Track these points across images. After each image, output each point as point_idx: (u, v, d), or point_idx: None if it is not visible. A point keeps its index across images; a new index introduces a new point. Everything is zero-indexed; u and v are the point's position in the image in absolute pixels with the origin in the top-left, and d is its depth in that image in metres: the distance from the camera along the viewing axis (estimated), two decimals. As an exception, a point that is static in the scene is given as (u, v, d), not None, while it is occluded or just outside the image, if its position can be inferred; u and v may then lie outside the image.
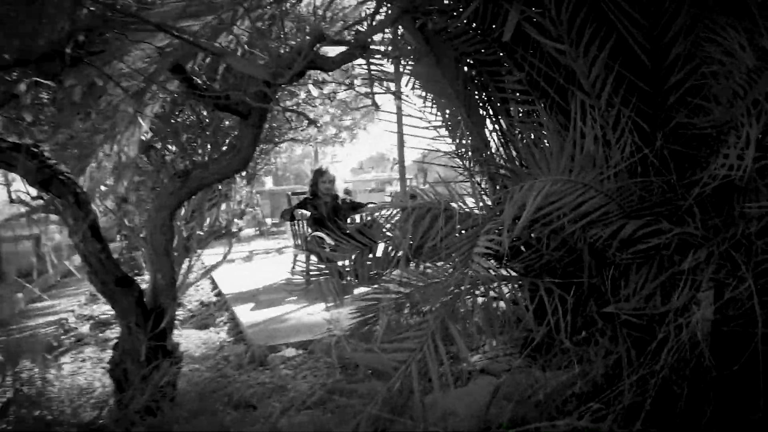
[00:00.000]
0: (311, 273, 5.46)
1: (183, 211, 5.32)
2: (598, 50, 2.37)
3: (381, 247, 2.91)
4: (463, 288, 1.68)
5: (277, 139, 5.85)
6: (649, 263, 2.33)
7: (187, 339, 4.17)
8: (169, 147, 4.79)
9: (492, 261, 2.60)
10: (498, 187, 2.72)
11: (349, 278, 2.96)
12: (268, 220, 11.88)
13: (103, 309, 5.39)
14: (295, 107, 4.98)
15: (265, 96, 2.60)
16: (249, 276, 6.42)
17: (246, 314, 4.56)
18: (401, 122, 5.52)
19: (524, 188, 1.57)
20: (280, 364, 3.48)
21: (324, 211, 5.82)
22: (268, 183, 13.69)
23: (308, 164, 22.88)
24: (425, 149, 3.62)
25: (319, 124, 6.14)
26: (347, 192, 6.24)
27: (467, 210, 2.57)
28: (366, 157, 27.44)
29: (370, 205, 5.70)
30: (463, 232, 2.34)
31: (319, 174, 5.91)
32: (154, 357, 2.78)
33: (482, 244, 1.66)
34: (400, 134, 4.98)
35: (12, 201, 3.47)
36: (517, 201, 1.57)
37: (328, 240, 5.39)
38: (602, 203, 2.07)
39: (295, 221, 5.74)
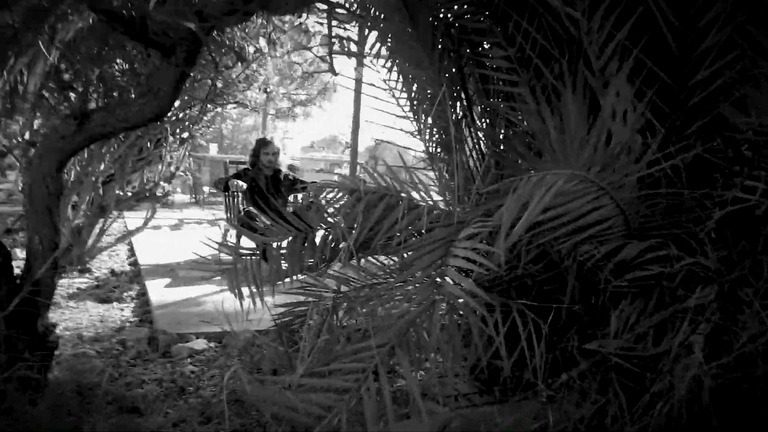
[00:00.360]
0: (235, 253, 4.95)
1: (102, 166, 4.68)
2: (615, 27, 1.92)
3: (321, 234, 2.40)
4: (429, 311, 1.18)
5: (221, 100, 5.24)
6: (646, 295, 1.90)
7: (83, 313, 3.57)
8: (94, 89, 4.14)
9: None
10: (479, 179, 2.23)
11: (275, 266, 2.44)
12: (206, 189, 11.17)
13: None
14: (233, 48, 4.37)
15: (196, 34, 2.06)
16: (173, 246, 5.80)
17: (159, 291, 3.98)
18: (360, 93, 5.02)
19: (533, 181, 1.10)
20: (187, 357, 2.94)
21: (262, 185, 5.25)
22: (213, 150, 12.94)
23: (257, 136, 22.03)
24: (386, 126, 3.10)
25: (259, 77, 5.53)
26: (291, 168, 5.69)
27: (430, 203, 2.08)
28: (318, 137, 26.83)
29: (315, 184, 5.18)
30: (423, 231, 1.85)
31: (262, 144, 5.32)
32: (16, 342, 2.20)
33: (461, 253, 1.18)
34: (357, 107, 4.49)
35: None
36: (522, 197, 1.10)
37: (262, 218, 4.84)
38: (611, 215, 1.61)
39: (229, 192, 5.15)
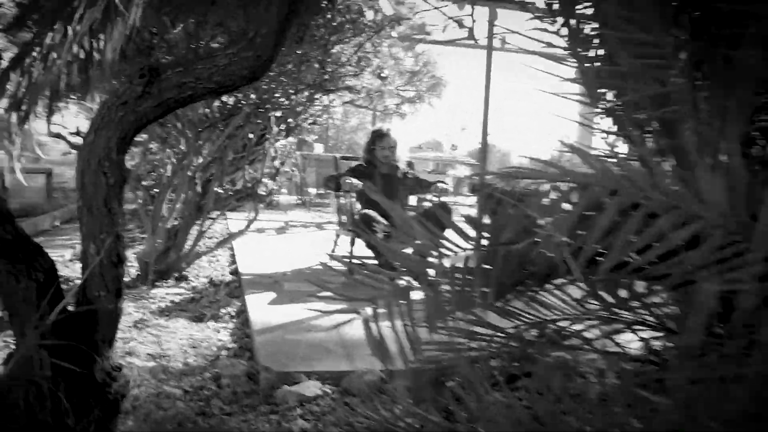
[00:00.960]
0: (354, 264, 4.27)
1: (201, 159, 4.10)
2: None
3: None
4: None
5: (331, 85, 4.58)
6: None
7: (173, 335, 2.96)
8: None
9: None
10: None
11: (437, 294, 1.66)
12: (312, 191, 10.68)
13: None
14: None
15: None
16: (278, 252, 5.20)
17: (261, 309, 3.32)
18: (490, 67, 4.25)
19: None
20: (295, 406, 2.22)
21: (379, 184, 4.53)
22: (318, 150, 12.46)
23: (365, 135, 21.39)
24: (559, 95, 2.25)
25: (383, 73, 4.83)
26: (410, 165, 4.94)
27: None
28: (423, 140, 26.13)
29: (440, 185, 4.40)
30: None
31: (378, 137, 4.61)
32: (67, 396, 1.54)
33: None
34: (488, 75, 3.67)
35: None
36: None
37: (382, 222, 4.11)
38: None
39: (342, 192, 4.43)
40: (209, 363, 2.64)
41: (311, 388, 2.31)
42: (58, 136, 4.02)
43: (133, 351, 2.66)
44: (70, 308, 1.69)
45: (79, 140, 5.47)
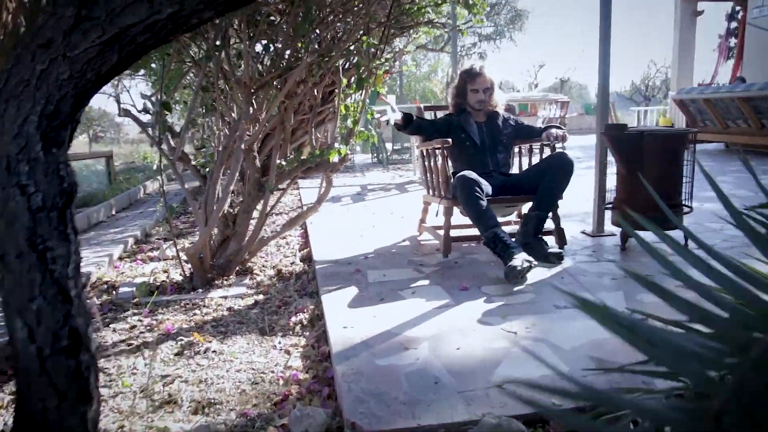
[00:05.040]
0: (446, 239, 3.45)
1: (257, 127, 3.36)
2: None
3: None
4: None
5: (407, 21, 3.70)
6: None
7: (228, 365, 2.25)
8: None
9: None
10: None
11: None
12: (389, 146, 9.88)
13: (149, 270, 3.63)
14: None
15: None
16: (357, 227, 4.45)
17: (341, 315, 2.58)
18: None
19: None
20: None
21: (474, 136, 3.67)
22: (392, 101, 11.57)
23: (440, 81, 20.08)
24: None
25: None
26: (510, 110, 4.02)
27: None
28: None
29: (555, 131, 3.48)
30: None
31: (469, 77, 3.72)
32: None
33: None
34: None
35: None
36: None
37: (485, 184, 3.28)
38: None
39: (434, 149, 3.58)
40: (274, 409, 1.92)
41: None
42: (127, 114, 3.31)
43: (174, 396, 1.97)
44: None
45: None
